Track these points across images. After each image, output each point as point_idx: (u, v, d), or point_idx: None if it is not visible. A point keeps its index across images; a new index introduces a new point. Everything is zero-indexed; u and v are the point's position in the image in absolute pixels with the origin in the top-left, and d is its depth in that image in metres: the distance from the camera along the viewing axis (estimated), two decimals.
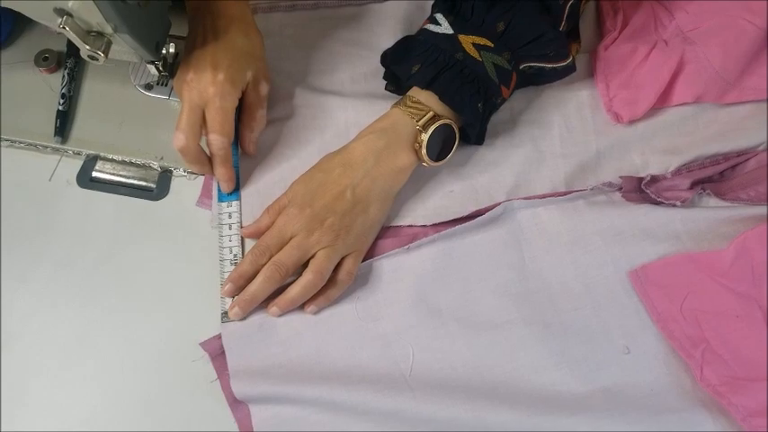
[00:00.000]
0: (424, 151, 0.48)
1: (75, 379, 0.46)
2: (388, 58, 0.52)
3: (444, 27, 0.49)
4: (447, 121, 0.48)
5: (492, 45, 0.48)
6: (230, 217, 0.50)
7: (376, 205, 0.48)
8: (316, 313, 0.47)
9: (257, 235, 0.49)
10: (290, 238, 0.46)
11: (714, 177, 0.53)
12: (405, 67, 0.49)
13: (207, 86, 0.46)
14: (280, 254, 0.46)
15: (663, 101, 0.55)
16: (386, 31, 0.58)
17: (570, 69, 0.52)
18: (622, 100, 0.55)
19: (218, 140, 0.47)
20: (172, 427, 0.45)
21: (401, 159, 0.48)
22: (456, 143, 0.50)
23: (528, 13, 0.49)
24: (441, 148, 0.49)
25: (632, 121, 0.55)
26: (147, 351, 0.47)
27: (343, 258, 0.47)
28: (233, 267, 0.48)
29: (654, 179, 0.52)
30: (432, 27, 0.50)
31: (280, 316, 0.47)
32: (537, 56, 0.50)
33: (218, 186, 0.51)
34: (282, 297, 0.46)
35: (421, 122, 0.48)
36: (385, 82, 0.55)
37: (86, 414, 0.45)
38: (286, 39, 0.58)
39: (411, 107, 0.48)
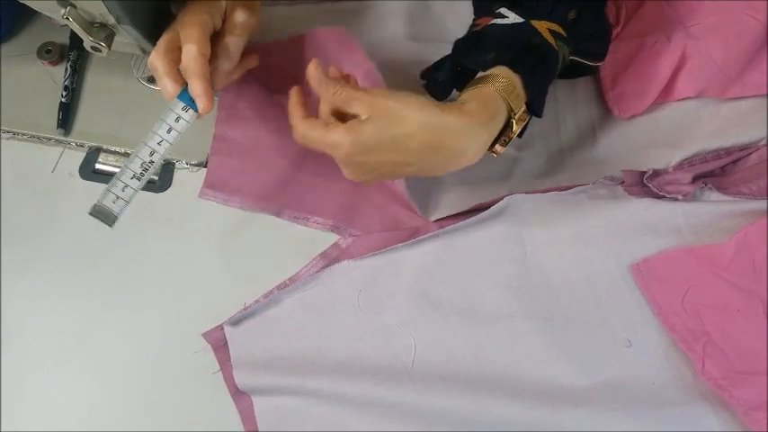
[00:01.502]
0: (507, 146, 0.44)
1: (77, 372, 0.46)
2: (458, 50, 0.48)
3: (512, 18, 0.46)
4: (529, 114, 0.45)
5: (564, 34, 0.45)
6: (177, 121, 0.44)
7: (421, 170, 0.43)
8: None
9: (314, 86, 0.43)
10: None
11: (716, 172, 0.54)
12: (478, 56, 0.45)
13: (182, 14, 0.44)
14: (309, 135, 0.42)
15: (665, 96, 0.55)
16: (387, 26, 0.58)
17: (597, 69, 0.51)
18: (625, 95, 0.55)
19: (188, 49, 0.42)
20: (175, 418, 0.45)
21: (487, 145, 0.43)
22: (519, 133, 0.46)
23: (595, 5, 0.47)
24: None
25: (634, 116, 0.55)
26: (150, 343, 0.47)
27: None
28: (139, 170, 0.43)
29: (656, 173, 0.52)
30: (499, 21, 0.46)
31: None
32: (587, 52, 0.48)
33: (184, 88, 0.44)
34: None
35: (516, 116, 0.43)
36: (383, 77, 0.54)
37: (87, 407, 0.45)
38: (287, 32, 0.58)
39: (509, 93, 0.43)
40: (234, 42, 0.45)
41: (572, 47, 0.46)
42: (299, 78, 0.52)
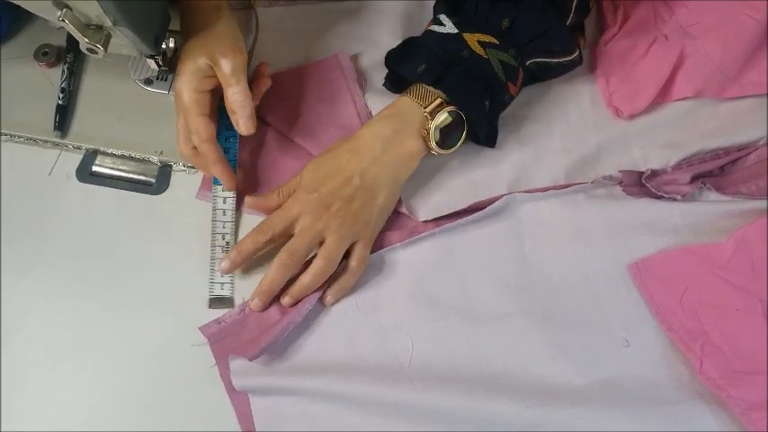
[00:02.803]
0: (432, 138, 0.48)
1: (76, 371, 0.46)
2: (392, 59, 0.52)
3: (448, 27, 0.49)
4: (454, 108, 0.48)
5: (497, 42, 0.48)
6: (225, 202, 0.50)
7: (384, 192, 0.48)
8: (333, 304, 0.48)
9: (261, 209, 0.50)
10: (295, 222, 0.47)
11: (714, 172, 0.54)
12: (410, 66, 0.49)
13: (176, 93, 0.47)
14: (291, 241, 0.46)
15: (663, 96, 0.55)
16: (385, 26, 0.58)
17: (577, 63, 0.52)
18: (623, 95, 0.55)
19: (195, 139, 0.47)
20: (174, 418, 0.45)
21: (409, 146, 0.48)
22: (465, 132, 0.50)
23: (532, 8, 0.48)
24: (449, 135, 0.49)
25: (633, 116, 0.55)
26: (148, 343, 0.47)
27: (353, 245, 0.47)
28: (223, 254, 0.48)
29: (654, 173, 0.52)
30: (436, 28, 0.50)
31: (292, 306, 0.47)
32: (543, 51, 0.50)
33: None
34: (294, 286, 0.47)
35: (429, 109, 0.48)
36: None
37: (87, 405, 0.45)
38: (285, 32, 0.58)
39: (419, 95, 0.49)
40: (235, 92, 0.47)
41: (513, 50, 0.49)
42: (296, 109, 0.54)
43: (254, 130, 0.48)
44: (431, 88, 0.49)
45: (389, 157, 0.48)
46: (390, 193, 0.49)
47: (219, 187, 0.50)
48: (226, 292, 0.48)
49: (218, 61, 0.46)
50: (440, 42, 0.49)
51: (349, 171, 0.47)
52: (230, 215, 0.50)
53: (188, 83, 0.46)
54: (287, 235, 0.47)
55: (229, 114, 0.48)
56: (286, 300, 0.47)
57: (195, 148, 0.48)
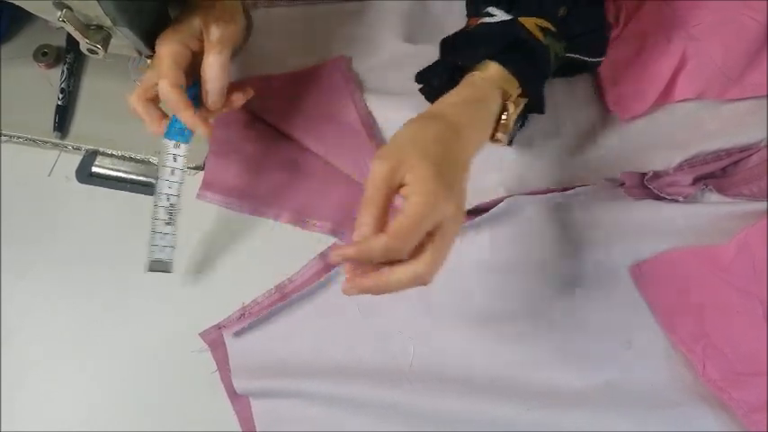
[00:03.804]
0: (509, 130, 0.43)
1: (76, 372, 0.46)
2: (446, 48, 0.47)
3: (500, 15, 0.45)
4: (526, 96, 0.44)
5: (554, 29, 0.44)
6: (175, 160, 0.46)
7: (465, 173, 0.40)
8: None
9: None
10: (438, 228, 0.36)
11: (716, 173, 0.53)
12: (468, 53, 0.45)
13: (158, 43, 0.44)
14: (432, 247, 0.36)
15: (665, 97, 0.55)
16: (387, 26, 0.58)
17: (598, 65, 0.51)
18: (625, 96, 0.55)
19: (161, 86, 0.43)
20: (174, 419, 0.45)
21: (484, 135, 0.42)
22: (522, 120, 0.46)
23: (590, 2, 0.46)
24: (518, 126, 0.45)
25: (635, 117, 0.54)
26: (149, 344, 0.47)
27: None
28: (167, 216, 0.46)
29: (656, 175, 0.52)
30: (487, 20, 0.46)
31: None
32: (586, 48, 0.48)
33: (170, 123, 0.46)
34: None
35: (513, 97, 0.43)
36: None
37: (87, 406, 0.45)
38: (287, 34, 0.58)
39: (498, 79, 0.43)
40: (213, 62, 0.44)
41: (565, 43, 0.46)
42: (297, 113, 0.53)
43: (219, 106, 0.46)
44: (505, 72, 0.43)
45: (469, 146, 0.40)
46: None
47: (171, 144, 0.46)
48: (165, 257, 0.47)
49: (209, 26, 0.45)
50: (496, 30, 0.45)
51: (464, 157, 0.39)
52: (179, 175, 0.46)
53: (174, 35, 0.44)
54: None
55: (201, 84, 0.45)
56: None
57: (149, 100, 0.45)
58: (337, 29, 0.58)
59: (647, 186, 0.51)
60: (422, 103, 0.55)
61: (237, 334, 0.46)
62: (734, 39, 0.54)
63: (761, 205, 0.50)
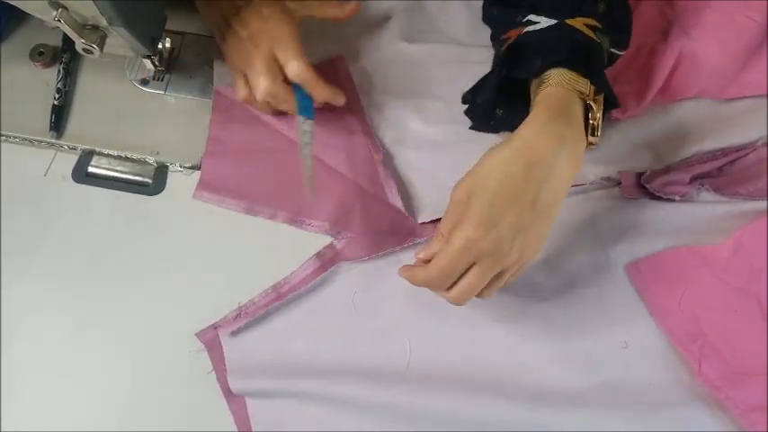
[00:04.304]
0: (598, 131, 0.41)
1: (72, 374, 0.46)
2: (503, 64, 0.45)
3: (544, 22, 0.44)
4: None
5: (600, 26, 0.44)
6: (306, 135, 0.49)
7: (558, 206, 0.40)
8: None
9: (427, 259, 0.41)
10: (471, 267, 0.39)
11: (713, 172, 0.53)
12: (525, 66, 0.43)
13: (262, 24, 0.46)
14: (463, 282, 0.40)
15: (662, 96, 0.55)
16: (385, 27, 0.58)
17: (618, 58, 0.49)
18: (622, 95, 0.54)
19: (295, 66, 0.46)
20: (170, 418, 0.45)
21: (582, 145, 0.41)
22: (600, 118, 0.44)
23: None
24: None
25: (632, 117, 0.54)
26: (144, 345, 0.47)
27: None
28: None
29: (653, 174, 0.52)
30: (531, 28, 0.44)
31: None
32: (618, 42, 0.47)
33: (297, 100, 0.49)
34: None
35: (591, 95, 0.41)
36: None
37: (84, 407, 0.45)
38: None
39: (570, 82, 0.41)
40: (300, 70, 0.48)
41: (610, 37, 0.45)
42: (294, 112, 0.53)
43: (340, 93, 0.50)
44: (572, 74, 0.41)
45: (567, 165, 0.39)
46: (559, 207, 0.40)
47: (301, 118, 0.49)
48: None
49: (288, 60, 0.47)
50: (546, 35, 0.43)
51: (530, 194, 0.38)
52: (309, 149, 0.49)
53: (283, 11, 0.46)
54: None
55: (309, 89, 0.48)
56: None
57: (283, 81, 0.47)
58: (335, 29, 0.58)
59: (643, 186, 0.51)
60: (420, 102, 0.55)
61: (234, 334, 0.46)
62: (731, 38, 0.54)
63: (757, 204, 0.51)
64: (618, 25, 0.46)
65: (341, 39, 0.58)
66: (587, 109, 0.42)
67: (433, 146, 0.53)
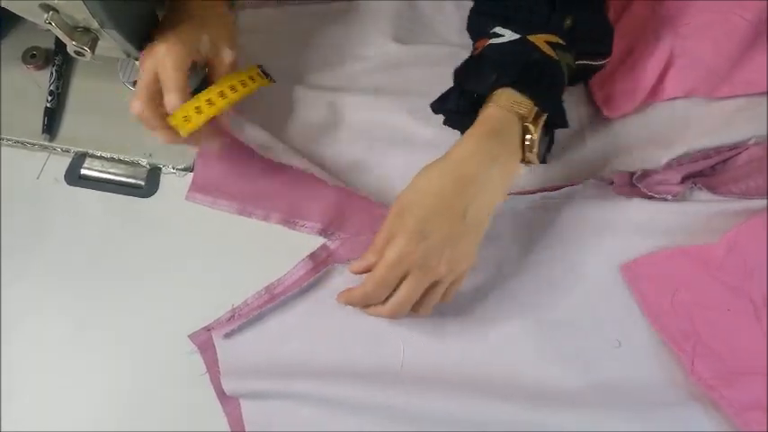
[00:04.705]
0: (535, 149, 0.43)
1: (71, 374, 0.46)
2: (459, 76, 0.47)
3: (508, 35, 0.45)
4: (545, 114, 0.43)
5: (563, 42, 0.44)
6: None
7: (486, 222, 0.42)
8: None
9: (367, 271, 0.43)
10: (404, 278, 0.41)
11: (705, 171, 0.53)
12: (481, 80, 0.44)
13: (158, 50, 0.43)
14: (397, 294, 0.42)
15: (654, 95, 0.55)
16: (375, 26, 0.58)
17: (604, 66, 0.50)
18: (614, 94, 0.55)
19: (171, 99, 0.43)
20: (170, 418, 0.45)
21: (514, 163, 0.43)
22: (550, 138, 0.46)
23: (594, 7, 0.46)
24: (546, 145, 0.45)
25: (624, 116, 0.55)
26: (138, 346, 0.47)
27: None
28: None
29: (645, 173, 0.52)
30: (495, 41, 0.45)
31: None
32: (594, 53, 0.48)
33: None
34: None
35: (531, 118, 0.42)
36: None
37: (80, 407, 0.45)
38: (275, 35, 0.58)
39: (508, 105, 0.42)
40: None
41: (575, 52, 0.46)
42: None
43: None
44: (518, 95, 0.43)
45: (499, 182, 0.42)
46: (488, 221, 0.42)
47: None
48: None
49: (220, 48, 0.46)
50: (506, 50, 0.44)
51: (459, 208, 0.40)
52: None
53: (178, 43, 0.43)
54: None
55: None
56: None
57: (157, 106, 0.44)
58: (326, 29, 0.58)
59: (635, 185, 0.51)
60: (412, 104, 0.55)
61: (227, 336, 0.46)
62: (723, 37, 0.54)
63: (750, 203, 0.50)
64: (589, 38, 0.47)
65: (331, 38, 0.58)
66: (525, 130, 0.43)
67: (425, 146, 0.53)
